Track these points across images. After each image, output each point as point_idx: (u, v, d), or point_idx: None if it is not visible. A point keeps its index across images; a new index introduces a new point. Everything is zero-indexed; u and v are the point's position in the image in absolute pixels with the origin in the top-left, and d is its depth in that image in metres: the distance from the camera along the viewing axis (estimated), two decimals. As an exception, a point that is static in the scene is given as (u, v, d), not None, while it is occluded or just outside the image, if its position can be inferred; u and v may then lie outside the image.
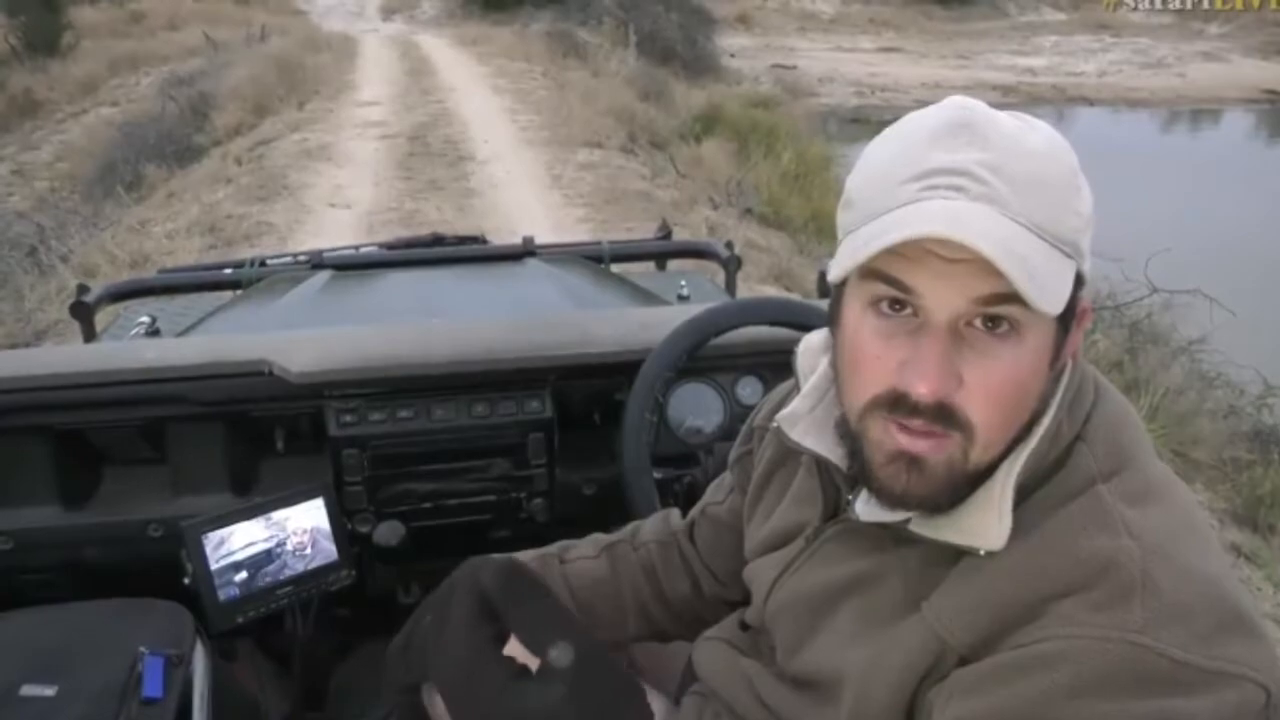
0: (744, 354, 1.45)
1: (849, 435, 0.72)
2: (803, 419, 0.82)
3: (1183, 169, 12.37)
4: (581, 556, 1.04)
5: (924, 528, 0.70)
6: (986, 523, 0.67)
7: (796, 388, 0.86)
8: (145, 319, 1.94)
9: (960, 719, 0.64)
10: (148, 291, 2.19)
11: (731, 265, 2.19)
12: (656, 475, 1.33)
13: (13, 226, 6.93)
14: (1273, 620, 2.87)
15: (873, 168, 0.70)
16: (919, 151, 0.67)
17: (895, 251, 0.64)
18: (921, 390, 0.65)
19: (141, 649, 1.04)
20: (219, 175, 7.65)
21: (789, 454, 0.88)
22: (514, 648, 0.89)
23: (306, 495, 1.29)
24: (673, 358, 1.33)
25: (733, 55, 17.84)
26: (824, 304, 0.86)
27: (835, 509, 0.81)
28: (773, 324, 1.39)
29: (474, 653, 0.88)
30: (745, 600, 0.93)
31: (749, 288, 4.43)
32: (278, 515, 1.27)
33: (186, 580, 1.22)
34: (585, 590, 1.01)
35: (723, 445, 1.35)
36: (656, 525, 1.09)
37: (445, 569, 1.00)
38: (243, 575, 1.24)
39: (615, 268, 2.25)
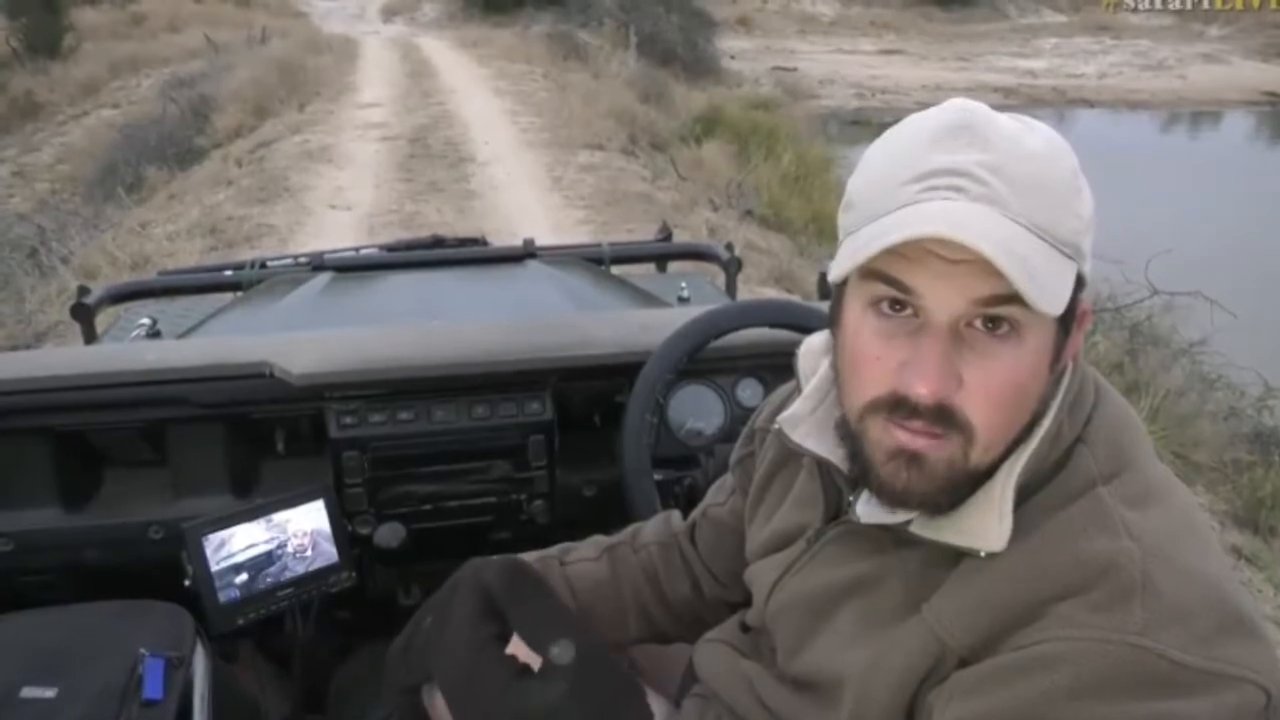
0: (744, 356, 1.45)
1: (849, 436, 0.72)
2: (804, 421, 0.82)
3: (1183, 171, 12.38)
4: (582, 558, 1.04)
5: (924, 529, 0.70)
6: (987, 524, 0.67)
7: (798, 389, 0.86)
8: (146, 321, 1.94)
9: (960, 720, 0.64)
10: (148, 293, 2.19)
11: (732, 267, 2.19)
12: (657, 477, 1.33)
13: (14, 228, 6.94)
14: (1273, 622, 2.87)
15: (873, 169, 0.70)
16: (919, 153, 0.67)
17: (895, 252, 0.64)
18: (921, 391, 0.65)
19: (142, 650, 1.04)
20: (220, 177, 7.66)
21: (790, 456, 0.88)
22: (516, 647, 0.89)
23: (307, 497, 1.29)
24: (673, 359, 1.34)
25: (733, 57, 17.85)
26: (825, 306, 0.86)
27: (837, 511, 0.81)
28: (773, 326, 1.39)
29: (476, 651, 0.88)
30: (746, 602, 0.93)
31: (749, 289, 4.43)
32: (278, 517, 1.27)
33: (187, 582, 1.22)
34: (586, 592, 1.01)
35: (723, 447, 1.35)
36: (657, 527, 1.09)
37: (445, 571, 1.00)
38: (243, 577, 1.24)
39: (616, 269, 2.25)
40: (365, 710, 1.32)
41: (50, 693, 0.99)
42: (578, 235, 5.44)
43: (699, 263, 2.55)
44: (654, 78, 12.31)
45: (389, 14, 23.05)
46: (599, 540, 1.08)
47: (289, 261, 2.14)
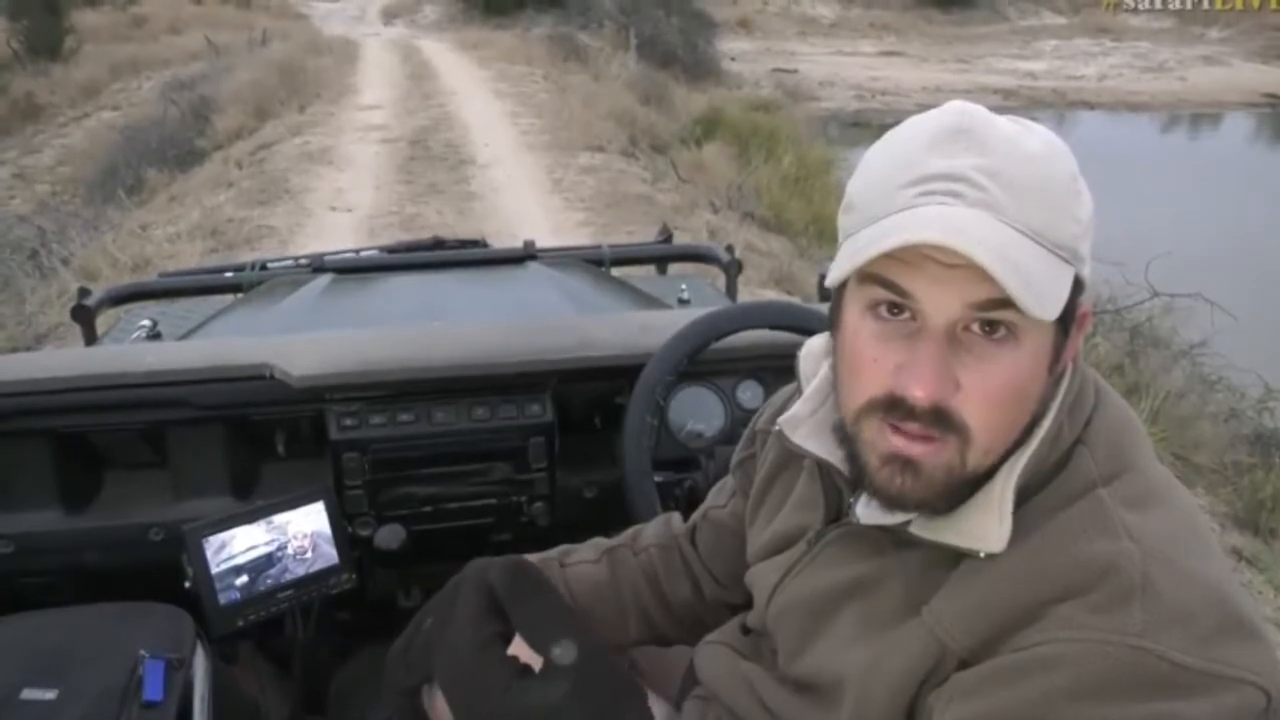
0: (745, 358, 1.45)
1: (846, 438, 0.72)
2: (804, 422, 0.82)
3: (1183, 173, 12.38)
4: (582, 560, 1.04)
5: (924, 530, 0.70)
6: (986, 525, 0.67)
7: (798, 391, 0.86)
8: (146, 322, 1.94)
9: (960, 722, 0.64)
10: (149, 295, 2.19)
11: (732, 269, 2.19)
12: (657, 479, 1.33)
13: (14, 230, 6.95)
14: (1274, 624, 2.86)
15: (872, 172, 0.70)
16: (917, 156, 0.67)
17: (892, 256, 0.64)
18: (917, 394, 0.65)
19: (142, 652, 1.04)
20: (220, 179, 7.66)
21: (791, 458, 0.88)
22: (518, 647, 0.89)
23: (307, 499, 1.29)
24: (674, 361, 1.34)
25: (733, 59, 17.86)
26: (825, 308, 0.86)
27: (837, 512, 0.81)
28: (773, 328, 1.39)
29: (477, 650, 0.88)
30: (746, 604, 0.93)
31: (750, 291, 4.44)
32: (279, 519, 1.27)
33: (187, 584, 1.22)
34: (586, 594, 1.01)
35: (723, 449, 1.35)
36: (658, 529, 1.09)
37: (446, 572, 1.00)
38: (243, 579, 1.24)
39: (616, 271, 2.25)
40: (365, 712, 1.32)
41: (51, 694, 1.00)
42: (578, 237, 5.44)
43: (699, 265, 2.55)
44: (654, 79, 12.32)
45: (389, 16, 23.08)
46: (599, 542, 1.08)
47: (289, 263, 2.15)
